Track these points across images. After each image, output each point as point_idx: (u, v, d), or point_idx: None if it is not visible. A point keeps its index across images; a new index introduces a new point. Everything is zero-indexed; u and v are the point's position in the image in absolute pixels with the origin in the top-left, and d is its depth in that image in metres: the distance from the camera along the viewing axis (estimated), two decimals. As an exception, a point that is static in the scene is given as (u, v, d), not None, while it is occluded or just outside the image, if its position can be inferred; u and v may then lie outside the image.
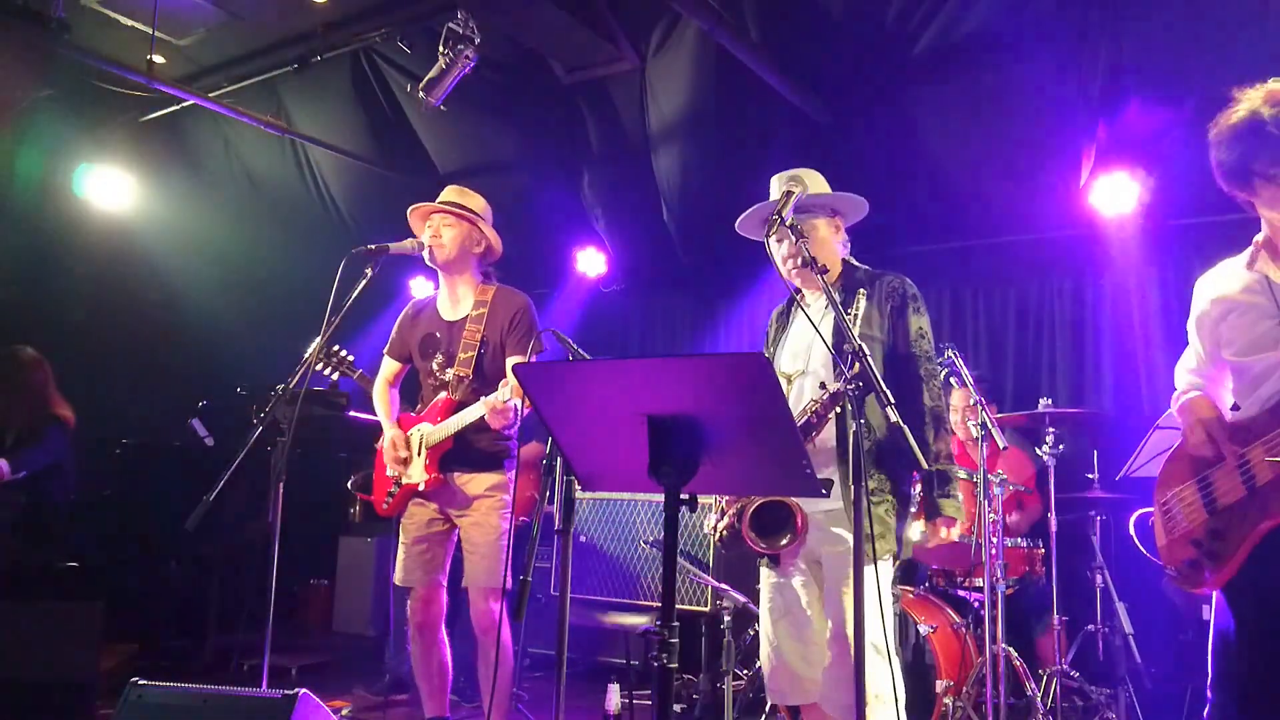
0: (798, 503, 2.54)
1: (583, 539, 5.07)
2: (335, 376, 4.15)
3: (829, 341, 2.61)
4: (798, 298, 2.83)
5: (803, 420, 2.51)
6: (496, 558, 3.37)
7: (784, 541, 2.55)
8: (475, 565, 3.39)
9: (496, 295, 3.55)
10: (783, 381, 2.74)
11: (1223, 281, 2.37)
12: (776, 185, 2.81)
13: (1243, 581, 2.20)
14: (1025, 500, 4.71)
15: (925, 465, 2.41)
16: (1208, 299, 2.40)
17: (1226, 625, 2.23)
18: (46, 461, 4.70)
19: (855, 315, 2.45)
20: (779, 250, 2.75)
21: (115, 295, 6.47)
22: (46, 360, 4.88)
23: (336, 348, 4.09)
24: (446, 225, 3.52)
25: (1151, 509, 2.48)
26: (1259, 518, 2.16)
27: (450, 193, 3.62)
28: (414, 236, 3.55)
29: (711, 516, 2.75)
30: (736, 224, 2.86)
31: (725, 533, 2.69)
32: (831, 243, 2.82)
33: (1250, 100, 2.17)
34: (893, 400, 2.18)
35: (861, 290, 2.57)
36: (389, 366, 3.71)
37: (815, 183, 2.81)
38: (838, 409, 2.45)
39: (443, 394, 3.48)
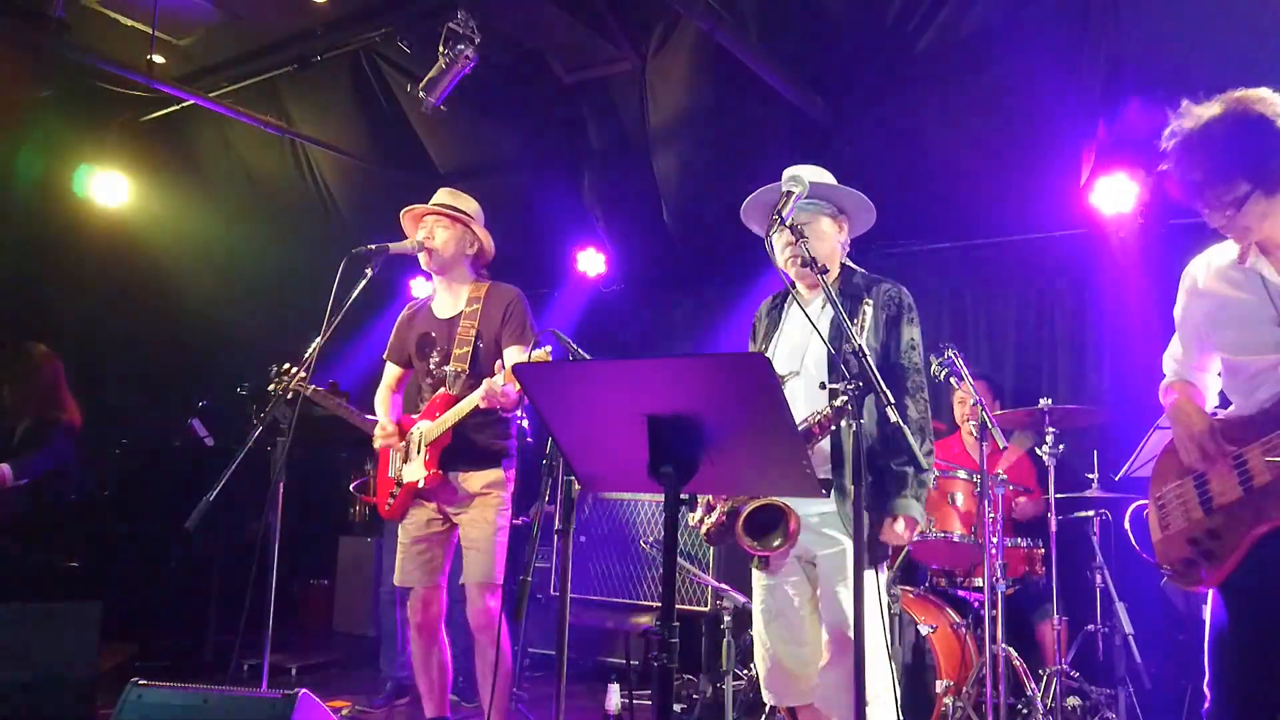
0: (790, 505, 2.53)
1: (583, 539, 5.07)
2: (290, 396, 3.93)
3: (828, 343, 2.60)
4: (794, 293, 2.82)
5: (803, 428, 2.50)
6: (493, 554, 3.38)
7: (776, 543, 2.54)
8: (473, 561, 3.39)
9: (489, 291, 3.57)
10: None
11: (1214, 273, 2.32)
12: (789, 176, 2.82)
13: (1238, 582, 2.20)
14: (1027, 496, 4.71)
15: (924, 466, 2.41)
16: (1197, 289, 2.36)
17: (1222, 624, 2.23)
18: (49, 467, 4.70)
19: (862, 324, 2.43)
20: (779, 246, 2.74)
21: (115, 295, 6.47)
22: (58, 358, 4.88)
23: (289, 366, 3.89)
24: (441, 227, 3.54)
25: (1146, 502, 2.47)
26: (1255, 520, 2.14)
27: (443, 195, 3.65)
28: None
29: (699, 510, 2.74)
30: (742, 209, 2.85)
31: (713, 528, 2.68)
32: (832, 242, 2.81)
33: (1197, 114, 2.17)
34: (893, 400, 2.18)
35: (867, 298, 2.55)
36: (391, 372, 3.72)
37: (825, 179, 2.81)
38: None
39: (440, 390, 3.49)
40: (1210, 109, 2.14)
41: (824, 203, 2.80)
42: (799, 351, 2.75)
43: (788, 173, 2.73)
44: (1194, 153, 2.13)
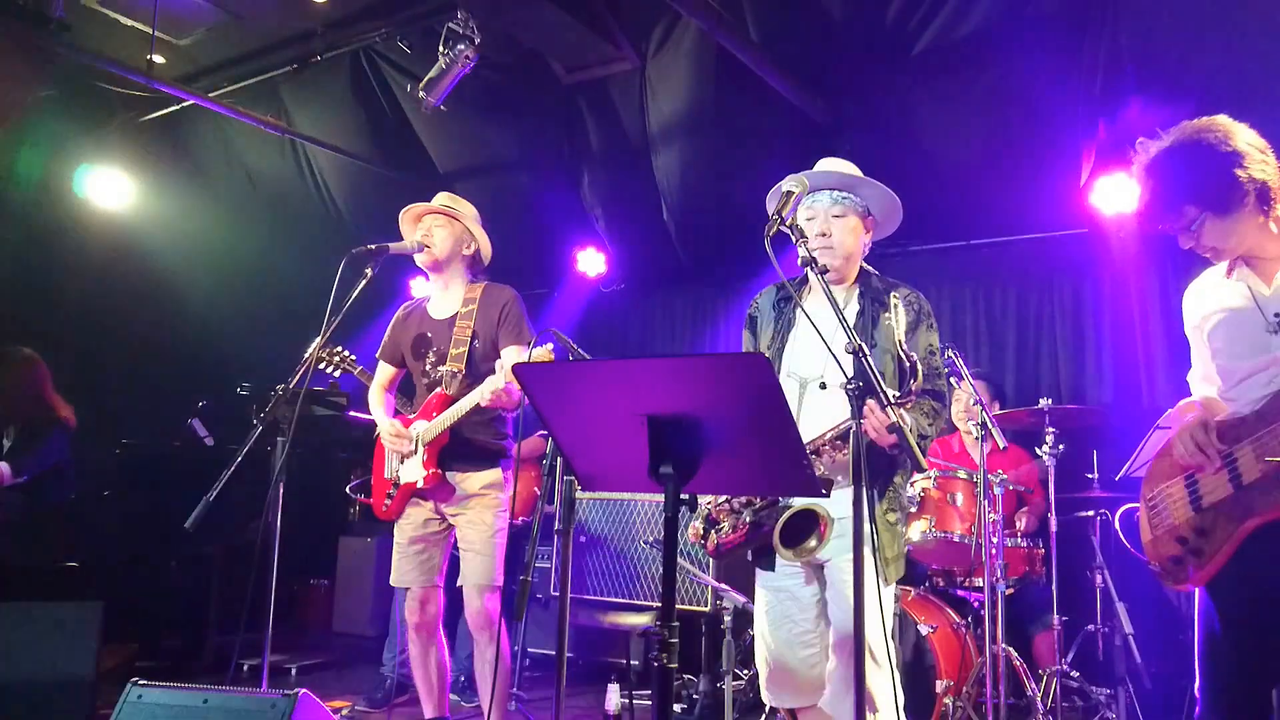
0: (824, 508, 2.49)
1: (583, 539, 5.07)
2: (338, 374, 4.28)
3: (831, 344, 2.57)
4: (804, 292, 2.80)
5: (842, 431, 2.47)
6: (492, 556, 3.38)
7: (812, 546, 2.51)
8: (471, 563, 3.39)
9: (484, 291, 3.58)
10: (795, 384, 2.70)
11: (1208, 291, 2.42)
12: (827, 165, 2.80)
13: (1226, 579, 2.22)
14: (1028, 499, 4.71)
15: (924, 467, 2.39)
16: (1197, 310, 2.44)
17: (1211, 625, 2.25)
18: (47, 465, 4.70)
19: (896, 321, 2.39)
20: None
21: (115, 295, 6.46)
22: (42, 360, 4.87)
23: (339, 347, 4.20)
24: (438, 226, 3.56)
25: (1137, 505, 2.50)
26: (1244, 515, 2.18)
27: (442, 198, 3.68)
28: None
29: (697, 523, 2.70)
30: (768, 196, 2.79)
31: (729, 542, 2.64)
32: (858, 239, 2.76)
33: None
34: (893, 400, 2.18)
35: (896, 297, 2.49)
36: (384, 371, 3.72)
37: (859, 175, 2.80)
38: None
39: (437, 390, 3.49)
40: (1163, 142, 2.26)
41: (857, 200, 2.76)
42: (820, 354, 2.67)
43: (820, 165, 2.74)
44: (1146, 185, 2.27)
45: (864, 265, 2.84)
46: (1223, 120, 2.23)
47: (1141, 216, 2.35)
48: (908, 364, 2.28)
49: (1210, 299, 2.40)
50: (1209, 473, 2.27)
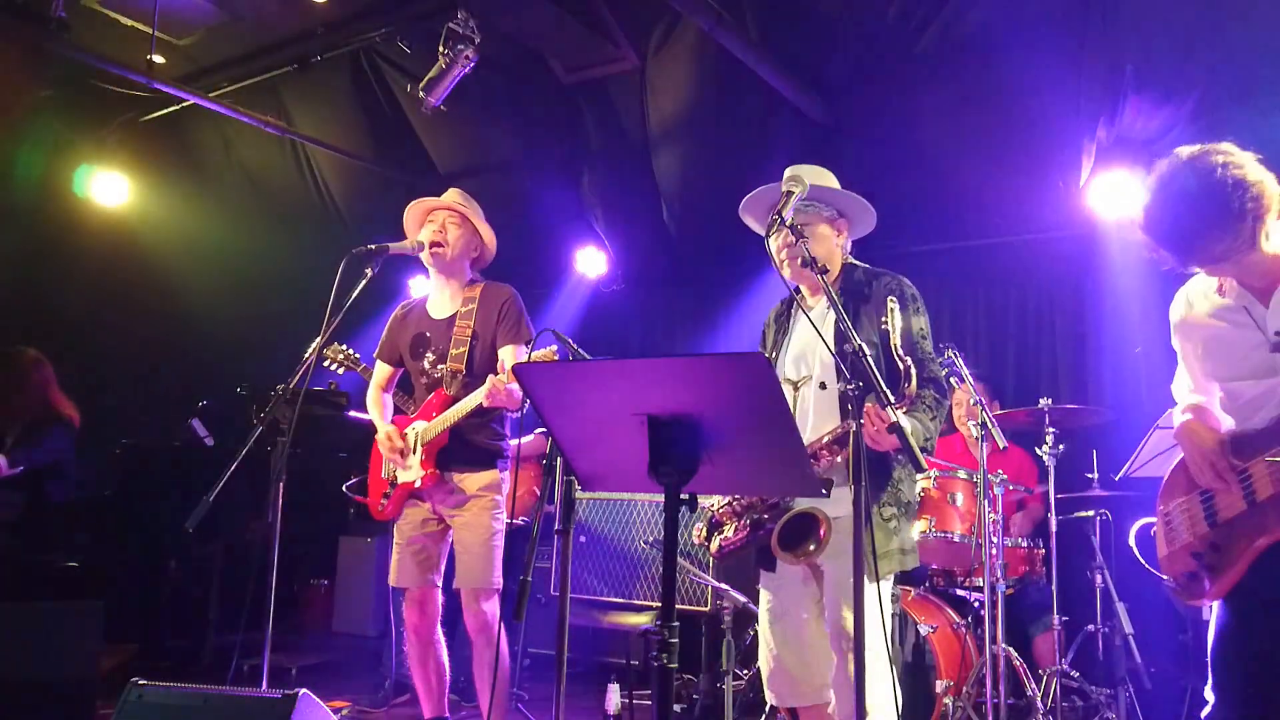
0: (821, 510, 2.49)
1: (583, 539, 5.07)
2: (342, 371, 4.34)
3: (830, 345, 2.58)
4: (798, 298, 2.81)
5: (840, 434, 2.48)
6: (489, 558, 3.36)
7: (811, 548, 2.50)
8: (467, 566, 3.38)
9: (484, 291, 3.57)
10: (788, 388, 2.71)
11: (1201, 304, 2.36)
12: (789, 175, 2.80)
13: (1241, 595, 2.21)
14: (1026, 500, 4.71)
15: (924, 468, 2.39)
16: (1187, 324, 2.40)
17: (1227, 630, 2.24)
18: (45, 459, 4.70)
19: (892, 324, 2.38)
20: (776, 247, 2.72)
21: (115, 295, 6.46)
22: (47, 360, 4.88)
23: (343, 345, 4.26)
24: (453, 224, 3.53)
25: (1154, 519, 2.48)
26: (1257, 533, 2.16)
27: (454, 195, 3.64)
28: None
29: (700, 525, 2.71)
30: (740, 208, 2.82)
31: (731, 545, 2.64)
32: (830, 244, 2.78)
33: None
34: (893, 400, 2.18)
35: (892, 300, 2.47)
36: (381, 371, 3.71)
37: (825, 181, 2.78)
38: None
39: (437, 390, 3.49)
40: (1162, 171, 2.17)
41: (823, 205, 2.77)
42: (809, 356, 2.72)
43: (789, 172, 2.70)
44: (1165, 218, 2.16)
45: (848, 260, 2.83)
46: (1217, 145, 2.14)
47: (1169, 251, 2.19)
48: (901, 366, 2.27)
49: (1202, 313, 2.34)
50: (1225, 488, 2.24)
